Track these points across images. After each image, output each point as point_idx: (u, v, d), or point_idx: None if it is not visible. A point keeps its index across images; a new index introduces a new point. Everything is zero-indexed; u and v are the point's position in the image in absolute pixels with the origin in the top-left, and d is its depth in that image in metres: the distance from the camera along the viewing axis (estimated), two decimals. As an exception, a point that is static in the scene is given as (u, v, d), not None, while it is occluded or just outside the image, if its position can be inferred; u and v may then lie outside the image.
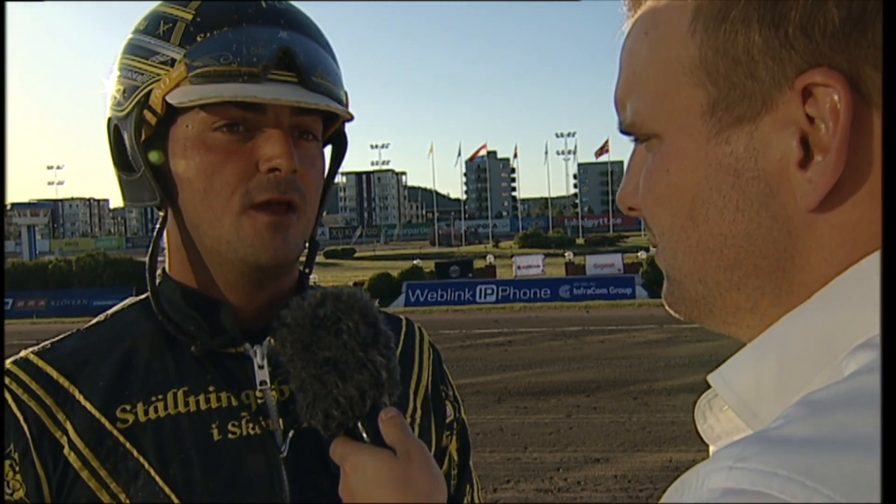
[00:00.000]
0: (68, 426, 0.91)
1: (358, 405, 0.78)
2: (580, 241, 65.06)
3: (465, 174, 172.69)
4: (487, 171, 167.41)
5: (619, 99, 0.57)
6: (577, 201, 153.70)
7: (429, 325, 1.53)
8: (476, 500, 1.15)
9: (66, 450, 0.90)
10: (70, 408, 0.93)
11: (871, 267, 0.46)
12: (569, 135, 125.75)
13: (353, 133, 1.11)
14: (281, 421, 0.96)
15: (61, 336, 1.01)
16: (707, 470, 0.39)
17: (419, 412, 1.09)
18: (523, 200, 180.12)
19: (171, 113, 0.93)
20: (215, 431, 0.94)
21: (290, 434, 0.95)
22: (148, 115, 0.94)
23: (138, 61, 0.95)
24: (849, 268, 0.47)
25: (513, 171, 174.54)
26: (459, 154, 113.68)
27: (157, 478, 0.90)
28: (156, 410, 0.94)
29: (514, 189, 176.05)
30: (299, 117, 0.95)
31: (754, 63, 0.48)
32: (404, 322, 1.17)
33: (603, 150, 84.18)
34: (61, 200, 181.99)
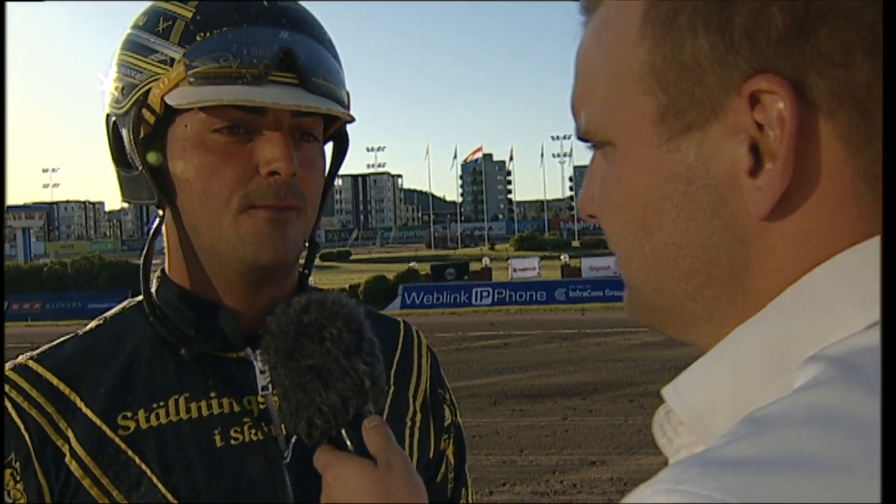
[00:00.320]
0: (70, 434, 0.90)
1: (341, 413, 0.77)
2: (576, 243, 65.08)
3: (461, 177, 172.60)
4: (483, 174, 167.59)
5: (574, 106, 0.57)
6: (573, 204, 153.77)
7: (424, 327, 1.53)
8: (470, 502, 1.15)
9: (68, 458, 0.89)
10: (72, 415, 0.91)
11: (823, 277, 0.46)
12: (565, 137, 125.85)
13: (350, 135, 1.10)
14: (283, 426, 0.94)
15: (60, 340, 1.00)
16: (648, 492, 0.39)
17: (419, 416, 1.08)
18: (519, 203, 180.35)
19: (170, 113, 0.92)
20: (217, 438, 0.93)
21: (293, 440, 0.94)
22: (146, 113, 0.93)
23: (137, 58, 0.94)
24: (801, 277, 0.47)
25: (509, 173, 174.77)
26: (455, 157, 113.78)
27: (160, 485, 0.89)
28: (157, 417, 0.93)
29: (509, 192, 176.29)
30: (300, 119, 0.94)
31: (702, 69, 0.47)
32: (402, 325, 1.17)
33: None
34: (57, 203, 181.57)
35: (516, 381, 9.99)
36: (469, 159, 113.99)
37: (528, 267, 28.11)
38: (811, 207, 0.46)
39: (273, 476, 0.93)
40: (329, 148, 1.07)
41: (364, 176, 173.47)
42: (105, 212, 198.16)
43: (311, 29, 0.96)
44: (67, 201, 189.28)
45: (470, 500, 1.15)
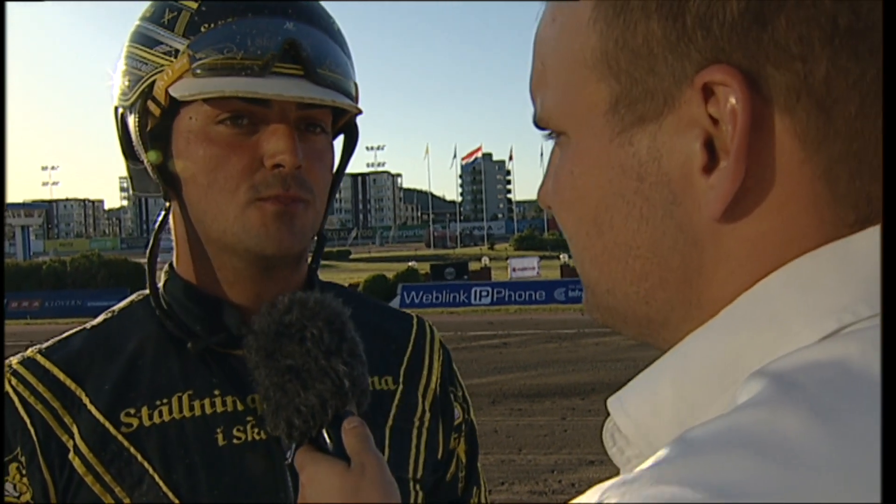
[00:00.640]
0: (74, 430, 0.90)
1: (319, 414, 0.77)
2: (575, 243, 64.92)
3: (461, 176, 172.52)
4: (483, 174, 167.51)
5: (531, 90, 0.53)
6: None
7: (424, 327, 1.52)
8: (483, 502, 1.14)
9: (72, 454, 0.89)
10: (77, 411, 0.91)
11: (776, 285, 0.43)
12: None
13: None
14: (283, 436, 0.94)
15: (68, 333, 0.99)
16: None
17: (427, 414, 1.07)
18: (519, 202, 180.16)
19: (175, 104, 0.91)
20: (220, 436, 0.92)
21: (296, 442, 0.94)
22: (152, 105, 0.92)
23: (143, 50, 0.93)
24: (756, 283, 0.43)
25: (508, 173, 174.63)
26: (455, 156, 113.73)
27: (161, 483, 0.89)
28: (160, 415, 0.92)
29: (509, 191, 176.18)
30: (306, 110, 0.93)
31: (654, 57, 0.44)
32: (415, 321, 1.15)
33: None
34: (56, 201, 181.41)
35: (515, 380, 9.99)
36: (466, 160, 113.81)
37: (527, 267, 28.08)
38: (767, 209, 0.43)
39: (274, 476, 0.92)
40: (339, 141, 1.06)
41: (363, 175, 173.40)
42: (104, 210, 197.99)
43: (317, 19, 0.95)
44: (67, 199, 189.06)
45: (483, 500, 1.14)
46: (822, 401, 0.35)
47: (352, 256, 59.00)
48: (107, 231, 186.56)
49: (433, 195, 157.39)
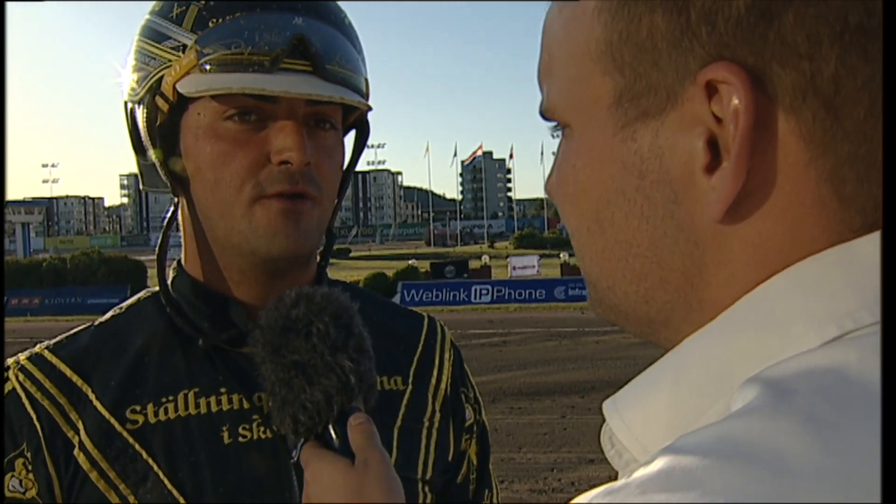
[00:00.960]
0: (80, 426, 0.90)
1: (325, 410, 0.76)
2: (575, 241, 64.93)
3: (461, 174, 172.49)
4: (483, 172, 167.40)
5: (538, 80, 0.52)
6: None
7: (424, 325, 1.51)
8: (494, 503, 1.12)
9: (77, 450, 0.89)
10: (83, 407, 0.91)
11: (778, 288, 0.41)
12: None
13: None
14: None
15: (76, 330, 0.99)
16: None
17: (438, 415, 1.05)
18: (519, 201, 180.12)
19: (183, 100, 0.91)
20: (225, 434, 0.91)
21: (302, 440, 0.92)
22: (160, 101, 0.91)
23: (151, 45, 0.93)
24: (757, 286, 0.42)
25: (508, 171, 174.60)
26: (455, 154, 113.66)
27: (166, 480, 0.88)
28: (166, 412, 0.91)
29: (509, 189, 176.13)
30: (315, 107, 0.92)
31: (658, 51, 0.42)
32: (426, 320, 1.14)
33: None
34: (56, 198, 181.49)
35: (515, 378, 9.99)
36: (468, 160, 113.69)
37: (527, 265, 28.07)
38: (770, 212, 0.42)
39: (280, 476, 0.91)
40: (350, 138, 1.05)
41: (364, 173, 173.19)
42: (104, 207, 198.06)
43: (327, 14, 0.94)
44: (67, 196, 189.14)
45: (495, 502, 1.12)
46: (816, 409, 0.34)
47: (352, 254, 58.92)
48: (107, 228, 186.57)
49: (433, 193, 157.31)
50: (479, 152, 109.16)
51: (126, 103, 0.98)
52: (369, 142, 1.07)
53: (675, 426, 0.42)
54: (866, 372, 0.35)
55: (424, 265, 28.23)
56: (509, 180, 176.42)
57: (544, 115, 0.52)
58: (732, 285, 0.43)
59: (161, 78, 0.91)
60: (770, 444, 0.33)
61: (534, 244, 57.18)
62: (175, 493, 0.88)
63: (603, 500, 0.35)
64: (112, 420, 0.90)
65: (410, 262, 29.71)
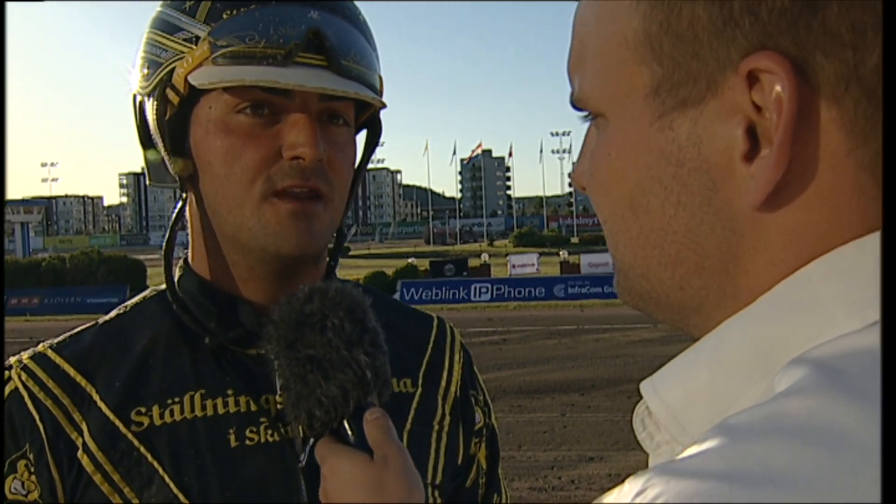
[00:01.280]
0: (84, 427, 0.88)
1: (341, 405, 0.76)
2: (575, 239, 64.98)
3: (460, 172, 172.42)
4: (482, 170, 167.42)
5: (569, 69, 0.52)
6: (572, 200, 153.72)
7: (424, 323, 1.51)
8: None
9: (80, 452, 0.87)
10: (87, 408, 0.89)
11: (818, 273, 0.42)
12: (564, 134, 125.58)
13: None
14: (301, 428, 0.89)
15: (80, 329, 0.97)
16: (612, 502, 0.36)
17: (448, 419, 1.03)
18: (518, 199, 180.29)
19: (194, 93, 0.89)
20: (232, 437, 0.90)
21: (310, 442, 0.89)
22: (171, 93, 0.90)
23: (163, 36, 0.91)
24: (794, 272, 0.43)
25: (508, 169, 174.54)
26: (454, 152, 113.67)
27: (172, 484, 0.87)
28: (171, 414, 0.90)
29: (508, 188, 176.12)
30: (328, 102, 0.90)
31: (698, 41, 0.43)
32: (435, 321, 1.12)
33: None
34: (55, 198, 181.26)
35: (515, 377, 9.99)
36: (468, 159, 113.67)
37: (526, 263, 28.10)
38: (809, 199, 0.42)
39: (287, 479, 0.89)
40: (362, 135, 1.03)
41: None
42: (104, 206, 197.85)
43: (342, 9, 0.92)
44: (66, 196, 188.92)
45: None
46: (868, 387, 0.35)
47: (351, 253, 58.93)
48: (106, 228, 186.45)
49: (433, 192, 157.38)
50: (479, 150, 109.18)
51: (135, 96, 0.96)
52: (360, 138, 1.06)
53: (715, 407, 0.43)
54: None
55: (424, 264, 28.25)
56: (508, 178, 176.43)
57: (575, 104, 0.52)
58: (769, 272, 0.44)
59: (172, 70, 0.89)
60: (826, 422, 0.34)
61: (533, 242, 57.14)
62: (181, 496, 0.86)
63: (661, 478, 0.35)
64: (117, 422, 0.89)
65: (410, 260, 29.72)
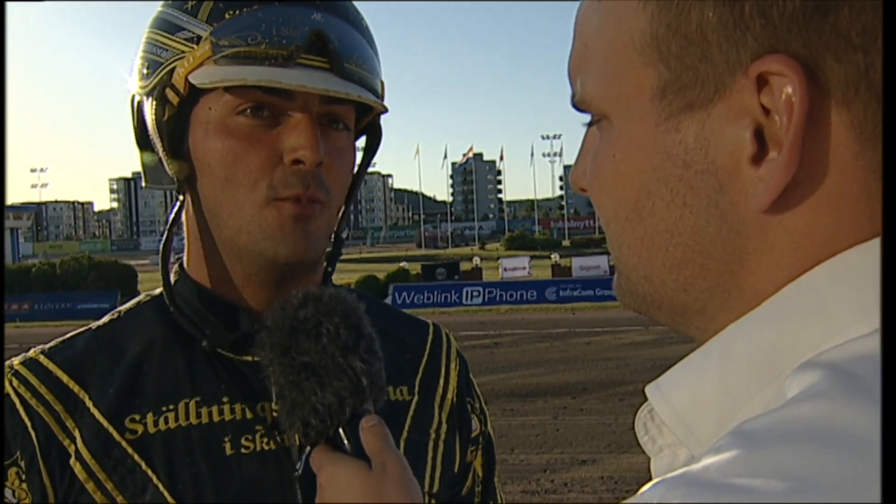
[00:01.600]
0: (76, 434, 0.87)
1: (337, 413, 0.75)
2: (566, 242, 65.20)
3: (452, 176, 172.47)
4: (473, 174, 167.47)
5: (570, 70, 0.52)
6: (563, 203, 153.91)
7: (416, 327, 1.50)
8: None
9: (73, 459, 0.86)
10: (80, 415, 0.88)
11: (825, 277, 0.42)
12: (555, 137, 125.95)
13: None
14: (296, 436, 0.89)
15: (72, 334, 0.96)
16: None
17: (444, 427, 1.02)
18: (509, 202, 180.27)
19: (194, 94, 0.88)
20: (228, 445, 0.88)
21: (307, 451, 0.88)
22: (170, 94, 0.88)
23: (164, 36, 0.90)
24: (800, 275, 0.43)
25: (499, 173, 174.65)
26: (445, 156, 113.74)
27: (166, 492, 0.85)
28: (166, 421, 0.88)
29: (500, 191, 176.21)
30: (329, 106, 0.89)
31: (707, 44, 0.42)
32: (431, 328, 1.11)
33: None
34: (45, 203, 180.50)
35: (507, 380, 9.99)
36: (459, 163, 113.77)
37: (518, 266, 28.11)
38: (817, 203, 0.42)
39: (283, 488, 0.88)
40: (361, 142, 1.03)
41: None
42: (94, 212, 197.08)
43: (346, 12, 0.92)
44: (56, 201, 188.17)
45: None
46: (879, 391, 0.34)
47: (343, 257, 58.76)
48: (96, 233, 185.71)
49: (424, 195, 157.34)
50: (470, 154, 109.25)
51: (133, 97, 0.95)
52: (359, 144, 1.06)
53: (723, 410, 0.43)
54: None
55: (415, 267, 28.21)
56: (500, 182, 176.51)
57: (578, 106, 0.52)
58: (775, 274, 0.44)
59: (173, 70, 0.88)
60: (847, 425, 0.33)
61: (524, 245, 57.21)
62: None
63: (679, 485, 0.35)
64: (110, 429, 0.87)
65: (401, 264, 29.66)
